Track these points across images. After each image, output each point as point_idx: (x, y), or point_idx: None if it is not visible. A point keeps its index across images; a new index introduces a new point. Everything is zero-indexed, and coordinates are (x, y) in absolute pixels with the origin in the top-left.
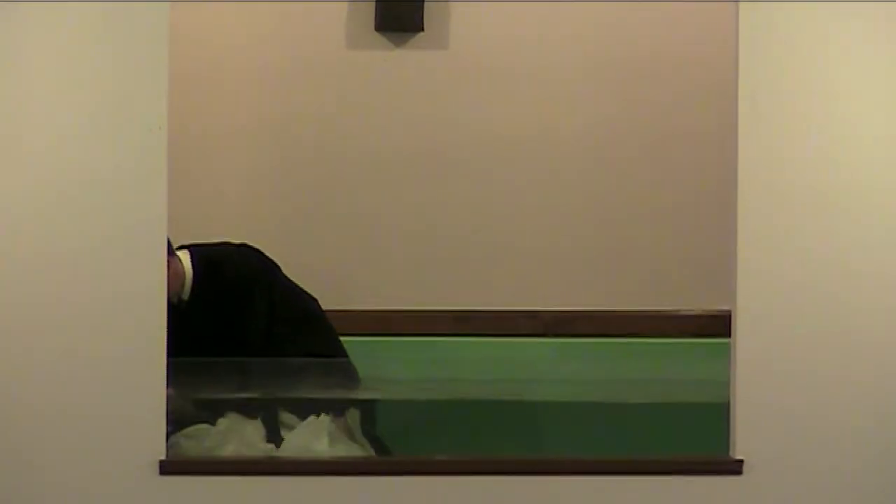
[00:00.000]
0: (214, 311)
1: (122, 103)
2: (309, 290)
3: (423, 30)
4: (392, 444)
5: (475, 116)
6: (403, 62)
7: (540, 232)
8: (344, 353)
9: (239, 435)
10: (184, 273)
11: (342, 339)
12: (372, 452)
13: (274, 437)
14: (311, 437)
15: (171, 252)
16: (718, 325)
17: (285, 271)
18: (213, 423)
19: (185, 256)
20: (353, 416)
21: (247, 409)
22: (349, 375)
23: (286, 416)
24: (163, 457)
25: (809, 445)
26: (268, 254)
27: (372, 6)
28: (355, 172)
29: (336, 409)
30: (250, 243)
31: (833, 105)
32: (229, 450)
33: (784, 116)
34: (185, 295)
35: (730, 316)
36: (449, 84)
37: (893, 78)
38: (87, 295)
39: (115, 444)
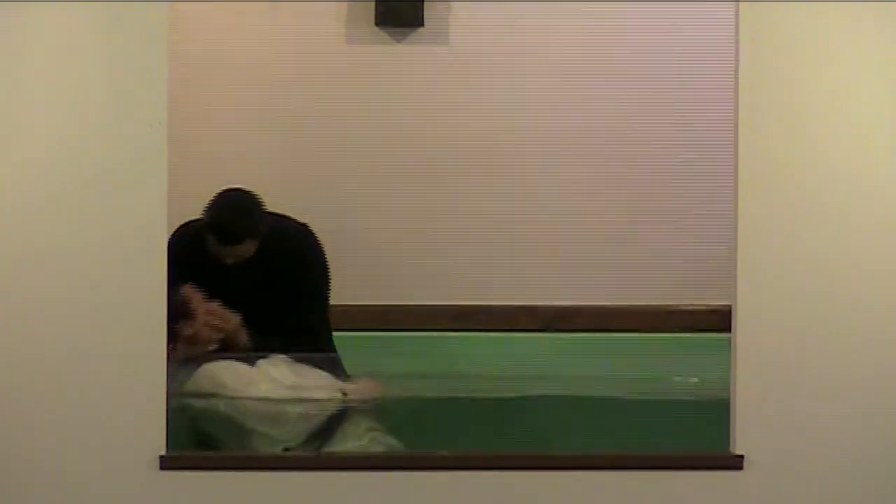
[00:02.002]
0: (270, 275)
1: (122, 100)
2: None
3: (423, 25)
4: (390, 440)
5: (475, 112)
6: (404, 57)
7: (539, 227)
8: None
9: (269, 373)
10: None
11: (342, 333)
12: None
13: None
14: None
15: None
16: (718, 319)
17: None
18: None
19: None
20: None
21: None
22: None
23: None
24: (163, 452)
25: (809, 440)
26: None
27: (372, 2)
28: (354, 167)
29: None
30: None
31: (832, 103)
32: (261, 388)
33: (784, 114)
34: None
35: (730, 311)
36: (449, 79)
37: (893, 77)
38: (88, 290)
39: (115, 439)
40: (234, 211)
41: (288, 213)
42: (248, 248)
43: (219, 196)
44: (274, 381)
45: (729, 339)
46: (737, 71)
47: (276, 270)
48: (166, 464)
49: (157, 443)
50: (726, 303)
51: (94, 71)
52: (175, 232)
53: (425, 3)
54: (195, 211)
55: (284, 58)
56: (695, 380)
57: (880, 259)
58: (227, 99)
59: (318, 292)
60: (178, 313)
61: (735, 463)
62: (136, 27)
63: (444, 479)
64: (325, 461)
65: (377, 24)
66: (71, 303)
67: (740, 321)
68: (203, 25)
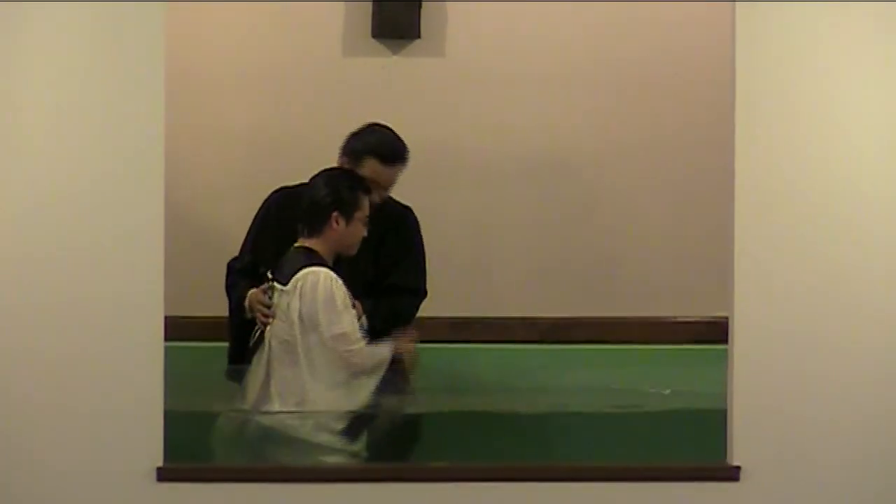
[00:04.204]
0: (379, 234)
1: (118, 107)
2: None
3: (419, 37)
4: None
5: (472, 123)
6: (400, 69)
7: (537, 238)
8: None
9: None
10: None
11: None
12: None
13: None
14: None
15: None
16: (715, 331)
17: None
18: None
19: None
20: None
21: None
22: None
23: None
24: (160, 464)
25: (806, 451)
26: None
27: (369, 13)
28: None
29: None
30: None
31: (830, 107)
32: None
33: (781, 120)
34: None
35: (727, 322)
36: (445, 91)
37: (891, 78)
38: (85, 300)
39: (112, 451)
40: (392, 133)
41: None
42: (397, 175)
43: (366, 128)
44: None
45: (726, 351)
46: (733, 72)
47: (385, 230)
48: (163, 475)
49: (155, 455)
50: (723, 314)
51: (91, 74)
52: (279, 191)
53: (422, 14)
54: (191, 214)
55: (281, 69)
56: (692, 391)
57: (878, 269)
58: (223, 110)
59: (419, 260)
60: None
61: (732, 474)
62: (132, 36)
63: (440, 491)
64: (323, 473)
65: (374, 35)
66: (68, 312)
67: (737, 332)
68: (199, 37)
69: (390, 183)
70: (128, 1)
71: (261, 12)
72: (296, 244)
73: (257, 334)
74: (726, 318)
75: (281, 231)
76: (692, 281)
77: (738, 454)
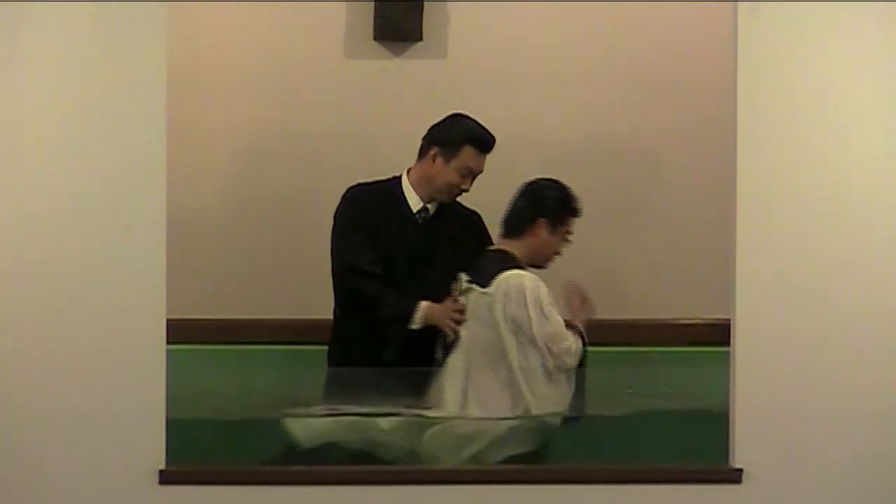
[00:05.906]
0: (453, 231)
1: (120, 108)
2: (307, 298)
3: (421, 39)
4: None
5: None
6: (402, 71)
7: None
8: None
9: None
10: None
11: None
12: None
13: None
14: None
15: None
16: (718, 333)
17: (282, 276)
18: None
19: None
20: None
21: None
22: None
23: None
24: (162, 466)
25: (808, 454)
26: (264, 260)
27: (371, 16)
28: (354, 181)
29: None
30: (251, 248)
31: (833, 108)
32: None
33: (783, 121)
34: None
35: (729, 325)
36: (448, 93)
37: (892, 80)
38: (87, 304)
39: (114, 453)
40: (478, 122)
41: (285, 224)
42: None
43: (453, 117)
44: None
45: (728, 353)
46: (735, 73)
47: (459, 231)
48: (165, 478)
49: (157, 457)
50: (725, 316)
51: (92, 75)
52: (356, 186)
53: (424, 17)
54: (191, 216)
55: (283, 72)
56: (694, 393)
57: (880, 272)
58: (224, 112)
59: None
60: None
61: (734, 476)
62: (133, 37)
63: (441, 493)
64: (324, 475)
65: (376, 38)
66: (70, 316)
67: (739, 335)
68: (201, 39)
69: (480, 172)
70: (129, 1)
71: (262, 14)
72: (490, 247)
73: (447, 340)
74: (728, 320)
75: (368, 225)
76: (694, 283)
77: (740, 457)
